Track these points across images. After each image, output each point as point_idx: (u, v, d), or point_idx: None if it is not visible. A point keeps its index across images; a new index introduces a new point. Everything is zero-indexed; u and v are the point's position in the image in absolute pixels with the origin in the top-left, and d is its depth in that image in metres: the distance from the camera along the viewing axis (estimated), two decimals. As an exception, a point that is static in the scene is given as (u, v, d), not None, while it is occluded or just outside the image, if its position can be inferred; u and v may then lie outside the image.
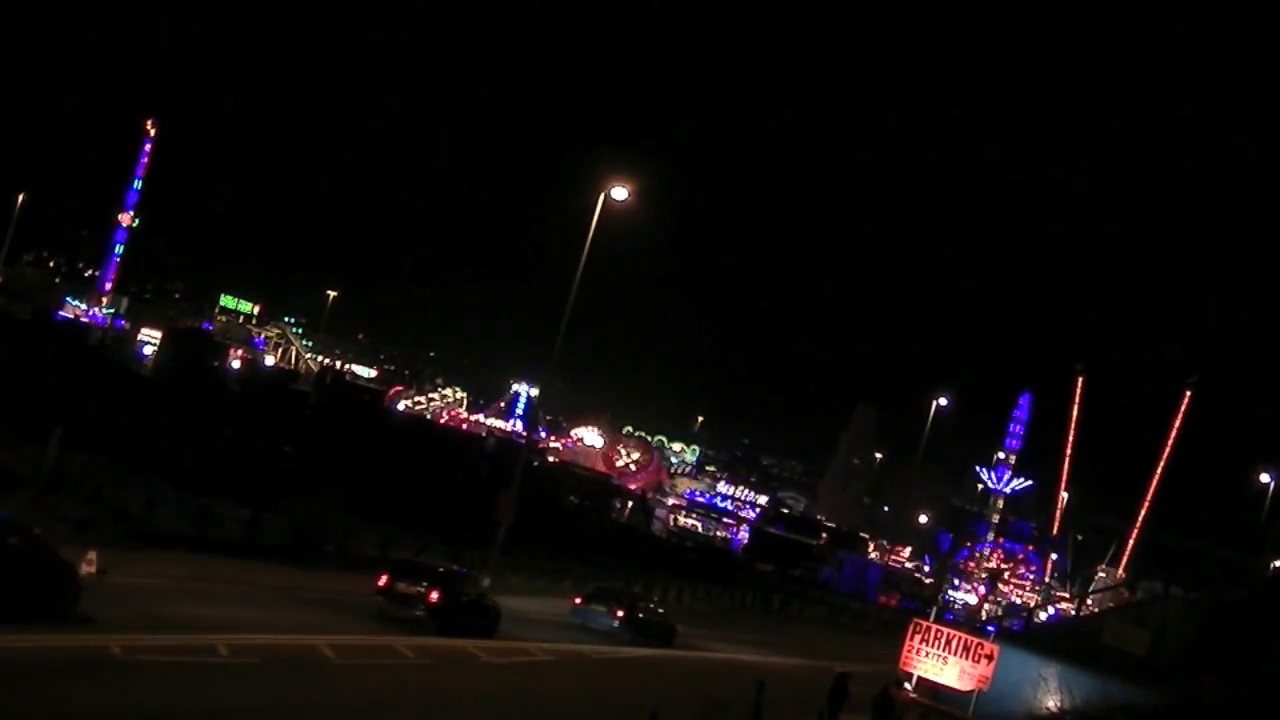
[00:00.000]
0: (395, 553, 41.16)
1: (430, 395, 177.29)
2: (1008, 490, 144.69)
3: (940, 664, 30.81)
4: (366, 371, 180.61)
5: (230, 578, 29.37)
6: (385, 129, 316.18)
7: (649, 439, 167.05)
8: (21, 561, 19.05)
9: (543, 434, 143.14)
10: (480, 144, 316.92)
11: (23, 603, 18.66)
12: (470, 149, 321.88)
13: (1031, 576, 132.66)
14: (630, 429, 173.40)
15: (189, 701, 16.93)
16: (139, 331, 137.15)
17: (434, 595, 29.24)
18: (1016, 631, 47.42)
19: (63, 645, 17.98)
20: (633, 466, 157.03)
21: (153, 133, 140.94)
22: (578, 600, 41.90)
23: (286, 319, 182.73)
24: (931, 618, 34.31)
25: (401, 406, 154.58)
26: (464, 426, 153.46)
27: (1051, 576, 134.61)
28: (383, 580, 29.82)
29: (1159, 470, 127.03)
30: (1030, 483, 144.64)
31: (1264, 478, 66.16)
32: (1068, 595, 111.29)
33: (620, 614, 40.08)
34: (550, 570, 52.03)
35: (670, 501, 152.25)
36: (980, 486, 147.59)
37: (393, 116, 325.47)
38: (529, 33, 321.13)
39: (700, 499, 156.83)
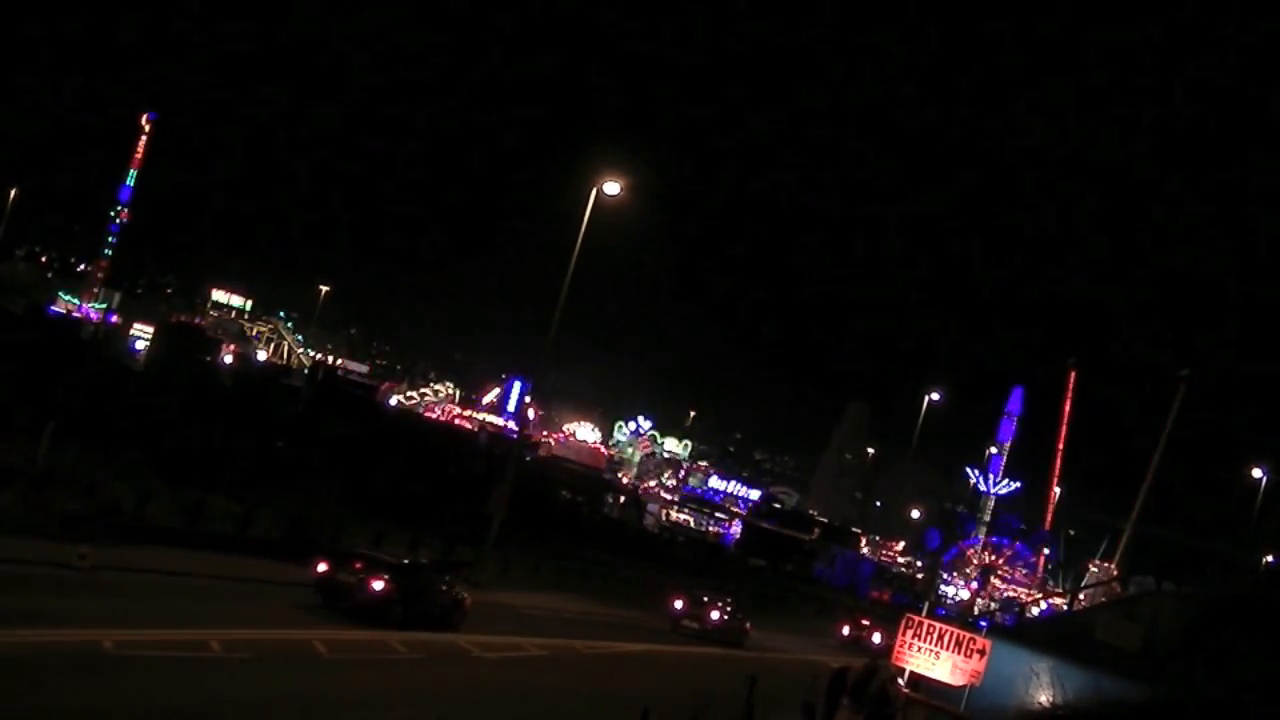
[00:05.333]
0: (387, 549, 41.10)
1: (422, 390, 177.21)
2: (998, 492, 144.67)
3: (932, 659, 30.77)
4: (359, 366, 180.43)
5: (222, 573, 29.29)
6: (378, 124, 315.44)
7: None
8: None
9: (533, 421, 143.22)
10: (475, 138, 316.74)
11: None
12: (464, 143, 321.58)
13: (1024, 572, 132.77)
14: (621, 423, 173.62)
15: (181, 697, 16.87)
16: (131, 326, 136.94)
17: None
18: (1009, 626, 47.51)
19: (55, 640, 17.95)
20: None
21: (146, 128, 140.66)
22: None
23: (279, 313, 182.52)
24: (924, 612, 34.26)
25: (394, 401, 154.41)
26: (456, 421, 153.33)
27: (1044, 571, 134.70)
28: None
29: (1151, 465, 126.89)
30: (1019, 485, 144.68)
31: (1256, 473, 66.30)
32: (1060, 590, 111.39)
33: None
34: (548, 566, 52.07)
35: (663, 496, 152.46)
36: (971, 483, 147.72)
37: (386, 111, 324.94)
38: (524, 28, 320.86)
39: (693, 493, 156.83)
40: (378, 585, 27.53)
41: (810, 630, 59.51)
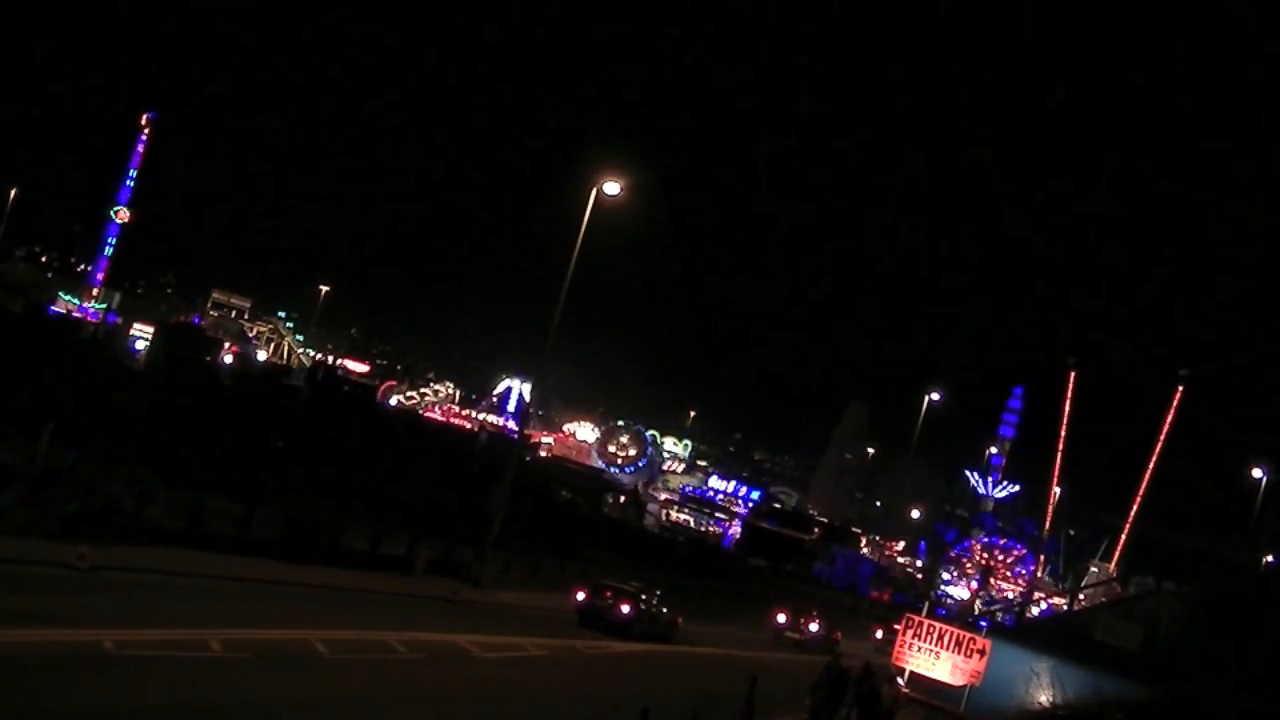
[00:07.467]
0: (388, 548, 41.05)
1: (422, 390, 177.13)
2: (998, 495, 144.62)
3: (932, 659, 30.79)
4: (359, 366, 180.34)
5: (222, 573, 29.28)
6: (378, 124, 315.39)
7: (644, 430, 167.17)
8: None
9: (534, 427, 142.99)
10: (475, 139, 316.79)
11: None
12: (464, 144, 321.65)
13: (1024, 572, 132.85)
14: (622, 423, 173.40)
15: (182, 696, 16.86)
16: (131, 326, 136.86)
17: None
18: (1009, 626, 47.51)
19: (55, 640, 17.93)
20: (630, 453, 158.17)
21: (146, 128, 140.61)
22: None
23: (279, 313, 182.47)
24: (924, 612, 34.25)
25: (394, 401, 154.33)
26: (456, 421, 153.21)
27: (1044, 572, 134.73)
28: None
29: (1151, 465, 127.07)
30: (1019, 488, 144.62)
31: (1256, 473, 66.23)
32: (1060, 590, 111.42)
33: None
34: (548, 566, 52.01)
35: (662, 496, 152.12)
36: (971, 484, 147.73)
37: (386, 111, 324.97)
38: (524, 27, 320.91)
39: (693, 493, 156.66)
40: (625, 609, 36.60)
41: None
